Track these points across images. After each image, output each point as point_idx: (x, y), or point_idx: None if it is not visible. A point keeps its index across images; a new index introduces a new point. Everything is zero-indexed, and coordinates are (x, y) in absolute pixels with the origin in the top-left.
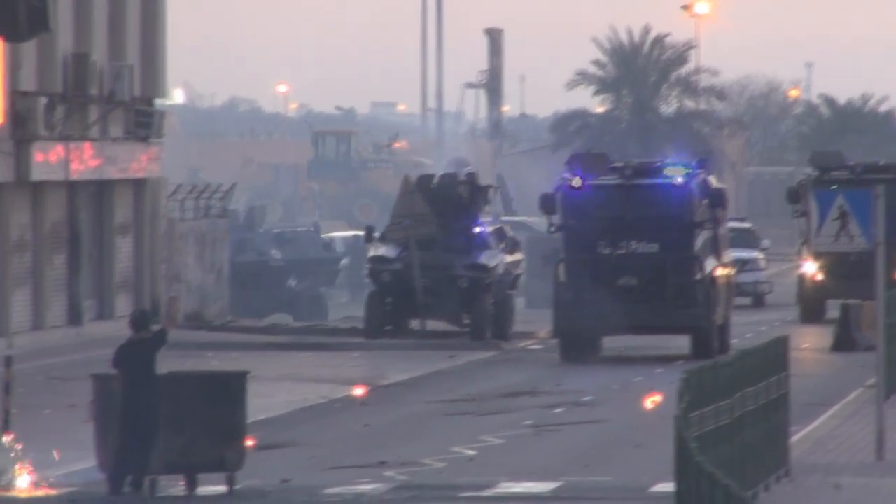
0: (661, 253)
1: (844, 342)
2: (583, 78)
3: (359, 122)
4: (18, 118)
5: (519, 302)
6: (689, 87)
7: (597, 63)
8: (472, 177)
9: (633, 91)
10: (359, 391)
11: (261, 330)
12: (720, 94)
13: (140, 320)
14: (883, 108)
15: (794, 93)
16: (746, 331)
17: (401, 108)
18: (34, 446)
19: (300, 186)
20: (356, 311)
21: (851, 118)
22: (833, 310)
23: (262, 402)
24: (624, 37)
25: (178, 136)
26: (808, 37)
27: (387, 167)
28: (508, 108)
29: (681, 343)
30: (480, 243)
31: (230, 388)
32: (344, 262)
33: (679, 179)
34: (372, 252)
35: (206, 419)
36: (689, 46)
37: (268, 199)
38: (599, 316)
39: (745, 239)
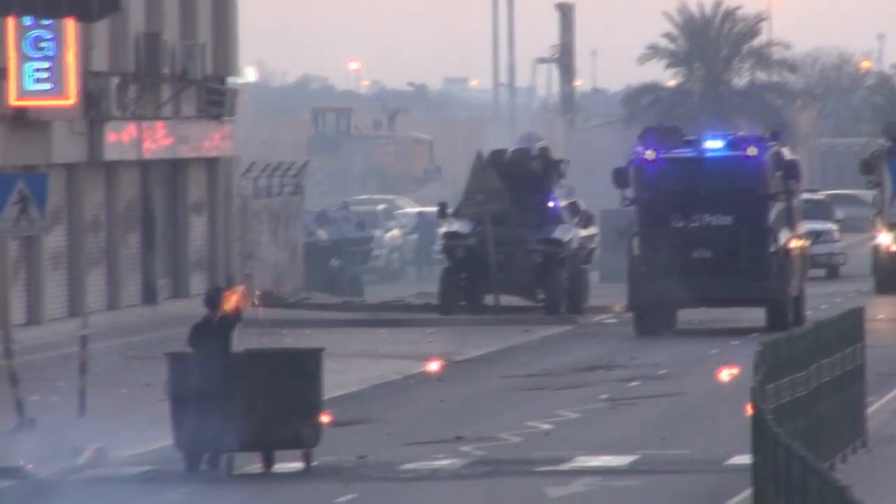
0: (735, 225)
1: None
2: (654, 52)
3: (431, 98)
4: (91, 98)
5: (593, 276)
6: (761, 59)
7: (668, 36)
8: (544, 151)
9: (704, 64)
10: (434, 367)
11: (335, 307)
12: (792, 66)
13: (215, 298)
14: None
15: (865, 64)
16: (821, 302)
17: (473, 83)
18: (111, 425)
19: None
20: (425, 287)
21: None
22: None
23: (337, 379)
24: (695, 10)
25: (250, 114)
26: (879, 8)
27: (387, 143)
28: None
29: (756, 315)
30: (554, 218)
31: (306, 364)
32: (413, 237)
33: (752, 152)
34: (445, 228)
35: (282, 396)
36: (760, 19)
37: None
38: (674, 289)
39: (819, 210)
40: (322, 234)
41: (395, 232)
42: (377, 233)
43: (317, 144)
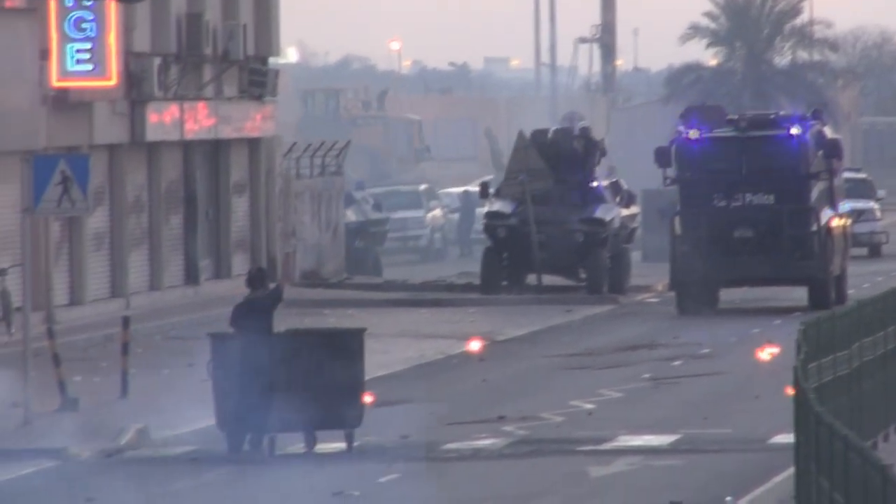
0: (776, 204)
1: None
2: (695, 31)
3: (472, 77)
4: (133, 79)
5: (635, 255)
6: (802, 38)
7: (709, 15)
8: (586, 131)
9: (746, 43)
10: (476, 347)
11: (377, 287)
12: (833, 45)
13: (257, 278)
14: None
15: None
16: (863, 281)
17: (514, 63)
18: (154, 405)
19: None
20: (466, 267)
21: None
22: None
23: (379, 359)
24: None
25: (292, 94)
26: None
27: (376, 123)
28: (622, 62)
29: (798, 295)
30: (596, 197)
31: (348, 345)
32: (454, 216)
33: (794, 131)
34: (487, 208)
35: (325, 376)
36: None
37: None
38: (716, 268)
39: (860, 189)
40: (350, 216)
41: (437, 212)
42: (419, 213)
43: (306, 125)
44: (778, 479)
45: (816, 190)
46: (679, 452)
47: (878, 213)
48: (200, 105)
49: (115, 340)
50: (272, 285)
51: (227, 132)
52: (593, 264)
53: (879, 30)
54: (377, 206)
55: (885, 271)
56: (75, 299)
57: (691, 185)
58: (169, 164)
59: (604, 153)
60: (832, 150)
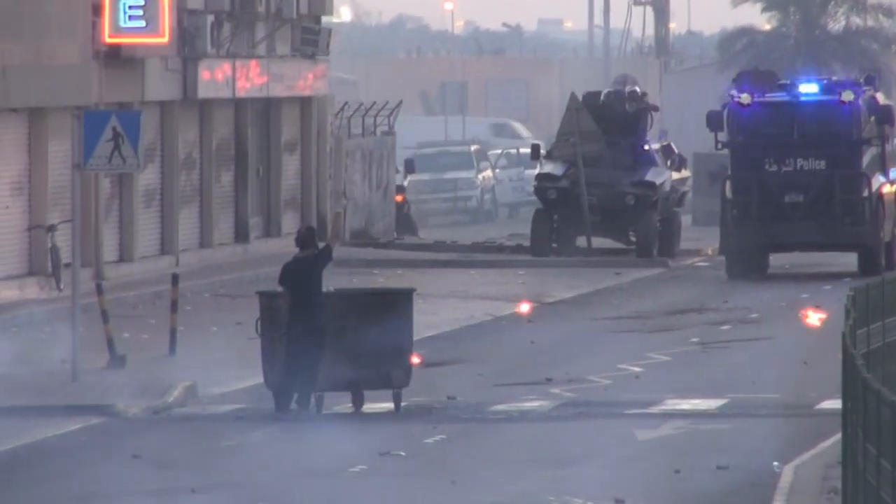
0: (828, 170)
1: None
2: None
3: (525, 38)
4: (185, 36)
5: (685, 219)
6: (857, 3)
7: None
8: (638, 94)
9: (800, 8)
10: (525, 308)
11: (426, 247)
12: (888, 11)
13: (307, 237)
14: None
15: None
16: None
17: (568, 25)
18: (201, 363)
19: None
20: (516, 229)
21: None
22: None
23: (428, 320)
24: None
25: (345, 53)
26: None
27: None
28: (675, 26)
29: (848, 260)
30: (647, 160)
31: (397, 305)
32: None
33: (847, 96)
34: (538, 170)
35: (373, 336)
36: None
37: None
38: (766, 233)
39: None
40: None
41: (488, 173)
42: (470, 173)
43: None
44: (825, 444)
45: (868, 156)
46: (726, 417)
47: None
48: (253, 63)
49: (164, 297)
50: (321, 244)
51: (278, 90)
52: (643, 227)
53: None
54: (409, 164)
55: None
56: (125, 256)
57: (742, 149)
58: (220, 121)
59: (655, 115)
60: (885, 116)
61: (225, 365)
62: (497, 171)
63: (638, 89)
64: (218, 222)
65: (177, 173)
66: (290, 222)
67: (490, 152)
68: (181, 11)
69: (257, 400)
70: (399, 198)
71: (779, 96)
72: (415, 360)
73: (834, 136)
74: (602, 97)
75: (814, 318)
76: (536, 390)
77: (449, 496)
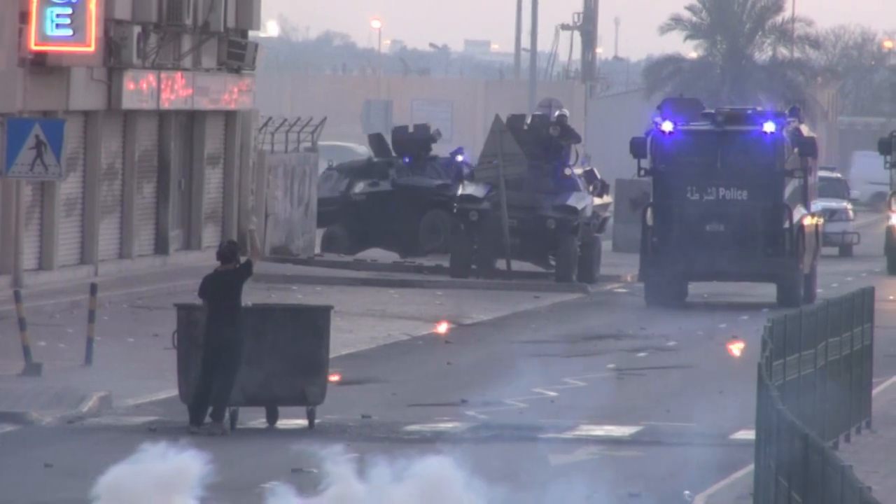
0: (749, 200)
1: None
2: (676, 23)
3: (452, 59)
4: (112, 46)
5: (606, 245)
6: (783, 35)
7: (691, 8)
8: (563, 119)
9: (726, 37)
10: (443, 329)
11: (346, 265)
12: (814, 42)
13: (228, 252)
14: None
15: (888, 44)
16: (832, 280)
17: (494, 47)
18: (117, 374)
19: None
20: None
21: None
22: None
23: (345, 337)
24: None
25: (271, 68)
26: None
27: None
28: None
29: (766, 291)
30: (569, 185)
31: (314, 321)
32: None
33: (770, 127)
34: (460, 190)
35: (290, 352)
36: None
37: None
38: (686, 261)
39: (834, 188)
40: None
41: None
42: None
43: None
44: (738, 475)
45: (790, 187)
46: (640, 444)
47: (851, 214)
48: (178, 75)
49: (83, 307)
50: (243, 259)
51: (203, 103)
52: (564, 252)
53: (860, 29)
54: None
55: (855, 272)
56: (44, 264)
57: (665, 177)
58: (144, 132)
59: (578, 141)
60: (808, 148)
61: (141, 376)
62: None
63: (567, 112)
64: (138, 233)
65: (98, 183)
66: (210, 236)
67: None
68: (108, 21)
69: (172, 413)
70: None
71: (702, 125)
72: (331, 377)
73: (756, 167)
74: (527, 120)
75: (732, 347)
76: (451, 411)
77: None
